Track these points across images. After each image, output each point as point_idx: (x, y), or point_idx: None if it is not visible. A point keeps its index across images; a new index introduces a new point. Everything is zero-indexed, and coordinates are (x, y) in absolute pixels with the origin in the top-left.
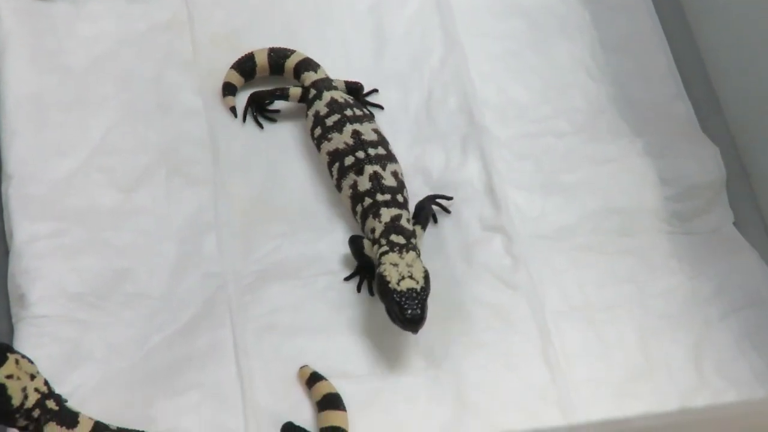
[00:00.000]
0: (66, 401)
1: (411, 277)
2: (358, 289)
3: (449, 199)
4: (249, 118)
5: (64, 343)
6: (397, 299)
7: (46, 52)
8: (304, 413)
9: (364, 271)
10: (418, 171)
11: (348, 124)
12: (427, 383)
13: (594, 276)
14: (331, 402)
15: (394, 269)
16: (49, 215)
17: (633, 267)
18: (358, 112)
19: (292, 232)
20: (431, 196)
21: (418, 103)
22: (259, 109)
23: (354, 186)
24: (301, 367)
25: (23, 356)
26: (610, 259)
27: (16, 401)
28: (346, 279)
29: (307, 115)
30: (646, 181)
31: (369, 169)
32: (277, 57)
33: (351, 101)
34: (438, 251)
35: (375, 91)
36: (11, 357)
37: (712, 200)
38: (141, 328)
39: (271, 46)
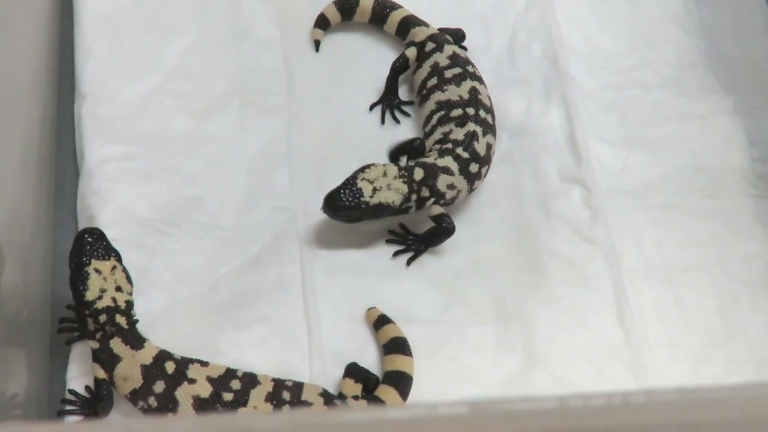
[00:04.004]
0: (137, 321)
1: (375, 188)
2: None
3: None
4: (378, 109)
5: (132, 268)
6: (348, 179)
7: None
8: (369, 355)
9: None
10: (497, 116)
11: (469, 79)
12: (496, 333)
13: (674, 236)
14: (397, 346)
15: (378, 173)
16: (121, 138)
17: (715, 229)
18: (478, 73)
19: None
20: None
21: (501, 46)
22: (394, 105)
23: (447, 134)
24: (369, 309)
25: (126, 272)
26: (693, 220)
27: (89, 295)
28: None
29: (420, 66)
30: (735, 141)
31: (471, 126)
32: (383, 5)
33: (471, 60)
34: (514, 199)
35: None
36: (112, 261)
37: None
38: (209, 258)
39: None
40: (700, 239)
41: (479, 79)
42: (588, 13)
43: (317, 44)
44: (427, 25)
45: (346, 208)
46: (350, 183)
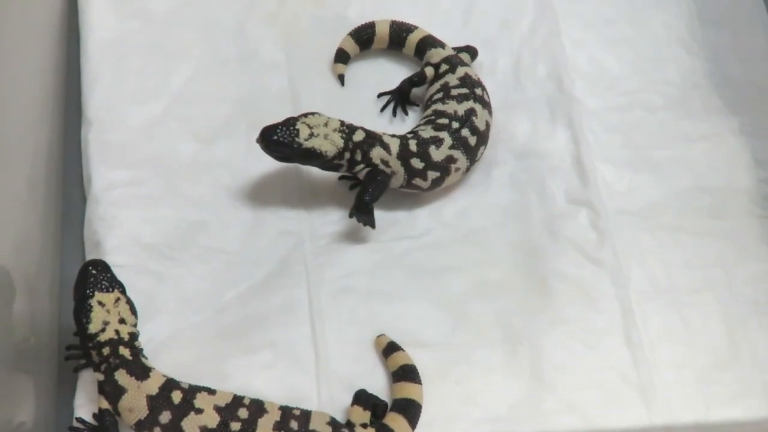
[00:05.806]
0: (144, 354)
1: (312, 134)
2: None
3: None
4: (384, 102)
5: (138, 294)
6: (289, 119)
7: None
8: (377, 381)
9: None
10: (503, 138)
11: (471, 100)
12: (504, 356)
13: (681, 257)
14: (407, 374)
15: (320, 121)
16: (127, 163)
17: (722, 250)
18: (486, 98)
19: None
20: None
21: (506, 68)
22: (403, 101)
23: (420, 130)
24: (379, 336)
25: (130, 303)
26: (699, 241)
27: (92, 327)
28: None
29: (431, 85)
30: (740, 162)
31: (443, 134)
32: (399, 30)
33: (482, 84)
34: (521, 221)
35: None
36: (116, 293)
37: None
38: (215, 283)
39: (392, 19)
40: (706, 260)
41: (483, 103)
42: (592, 35)
43: (341, 78)
44: (443, 46)
45: (279, 144)
46: (290, 122)
